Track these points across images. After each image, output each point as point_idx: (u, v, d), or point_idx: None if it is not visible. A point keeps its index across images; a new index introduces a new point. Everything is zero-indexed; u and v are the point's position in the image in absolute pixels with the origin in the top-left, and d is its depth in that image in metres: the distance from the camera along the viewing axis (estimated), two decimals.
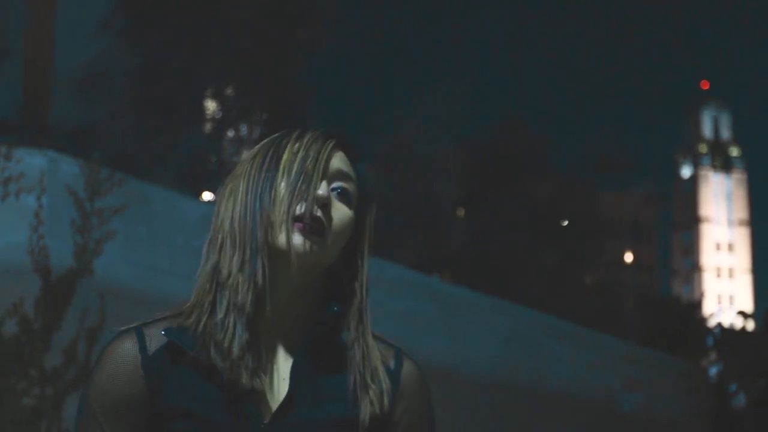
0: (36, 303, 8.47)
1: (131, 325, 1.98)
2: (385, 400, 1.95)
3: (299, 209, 1.93)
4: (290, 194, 1.94)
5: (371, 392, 1.94)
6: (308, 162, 1.97)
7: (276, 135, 2.07)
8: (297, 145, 2.00)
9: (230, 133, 21.27)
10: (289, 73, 21.37)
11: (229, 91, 20.90)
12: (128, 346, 1.94)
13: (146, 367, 1.93)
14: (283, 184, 1.95)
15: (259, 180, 1.97)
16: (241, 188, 1.99)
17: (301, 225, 1.93)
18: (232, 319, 1.91)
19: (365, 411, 1.92)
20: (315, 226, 1.93)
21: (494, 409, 17.05)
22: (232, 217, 1.97)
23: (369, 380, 1.95)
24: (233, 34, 20.47)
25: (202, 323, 1.93)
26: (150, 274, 10.72)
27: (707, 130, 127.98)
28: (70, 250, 8.75)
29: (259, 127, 21.25)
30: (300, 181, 1.96)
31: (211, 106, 20.78)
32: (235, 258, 1.94)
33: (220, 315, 1.92)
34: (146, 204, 11.00)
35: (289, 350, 1.97)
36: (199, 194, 18.62)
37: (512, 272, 27.33)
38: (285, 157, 1.98)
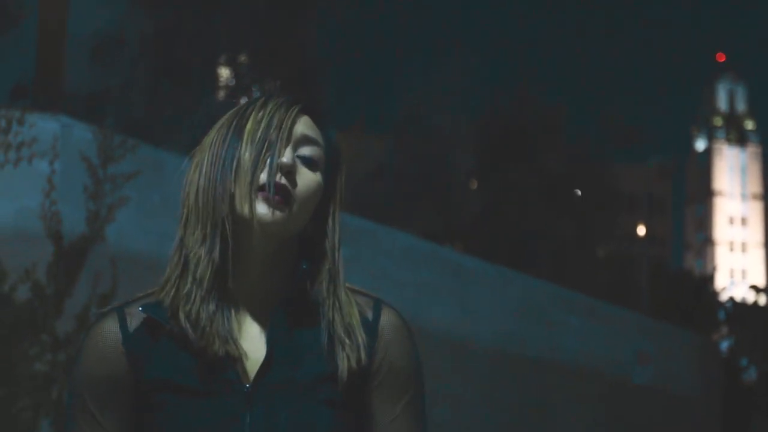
0: (48, 269, 8.49)
1: (112, 306, 2.02)
2: (362, 354, 1.96)
3: (263, 178, 1.93)
4: (253, 163, 1.94)
5: (347, 348, 1.95)
6: (272, 130, 1.97)
7: (242, 104, 2.06)
8: (261, 114, 1.99)
9: (243, 101, 21.23)
10: (303, 41, 21.32)
11: (243, 58, 20.87)
12: (109, 326, 1.98)
13: (127, 344, 1.97)
14: (246, 154, 1.95)
15: (222, 151, 1.97)
16: (205, 160, 1.99)
17: (265, 194, 1.93)
18: (195, 292, 1.93)
19: (342, 366, 1.93)
20: (280, 194, 1.93)
21: (504, 381, 17.06)
22: (197, 190, 1.98)
23: (343, 336, 1.96)
24: (248, 1, 20.42)
25: (170, 296, 1.95)
26: (162, 240, 10.72)
27: (722, 102, 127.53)
28: (83, 216, 8.75)
29: (272, 94, 21.20)
30: (263, 149, 1.96)
31: (224, 73, 20.75)
32: (197, 232, 1.96)
33: (185, 288, 1.94)
34: (159, 170, 10.99)
35: (266, 315, 1.97)
36: None
37: (525, 244, 27.32)
38: (248, 126, 1.98)
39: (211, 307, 1.93)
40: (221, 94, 20.87)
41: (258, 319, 1.98)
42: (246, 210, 1.92)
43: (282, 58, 20.71)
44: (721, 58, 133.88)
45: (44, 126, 9.32)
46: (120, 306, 2.00)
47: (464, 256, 18.96)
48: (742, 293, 52.30)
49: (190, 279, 1.94)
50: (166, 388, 1.92)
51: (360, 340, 1.97)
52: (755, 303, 43.57)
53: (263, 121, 1.98)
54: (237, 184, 1.93)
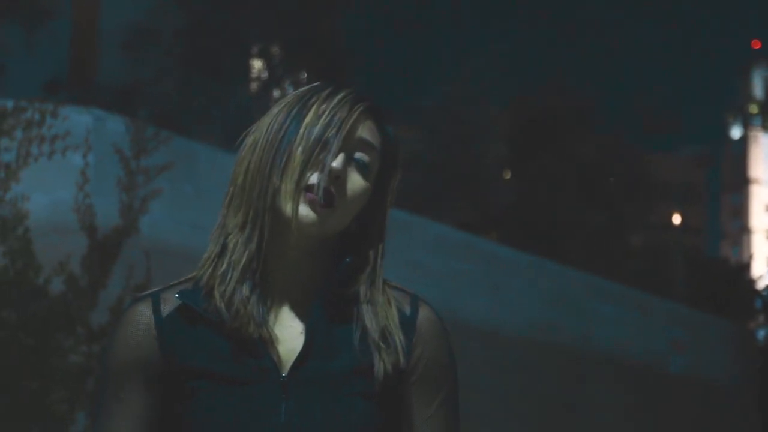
0: (82, 261, 8.52)
1: (148, 291, 2.01)
2: (400, 357, 1.95)
3: (312, 179, 1.91)
4: (304, 162, 1.91)
5: (383, 352, 1.94)
6: (330, 129, 1.93)
7: (306, 89, 2.02)
8: (323, 107, 1.95)
9: (276, 93, 21.28)
10: (334, 32, 21.32)
11: (275, 50, 20.90)
12: (141, 310, 1.96)
13: (159, 329, 1.95)
14: (299, 149, 1.92)
15: (277, 139, 1.94)
16: (259, 143, 1.97)
17: (311, 196, 1.90)
18: (230, 274, 1.93)
19: (378, 368, 1.92)
20: (325, 199, 1.91)
21: (538, 370, 17.03)
22: (245, 173, 1.96)
23: (379, 340, 1.94)
24: None
25: (207, 275, 1.95)
26: (196, 232, 10.76)
27: (758, 90, 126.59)
28: (116, 209, 8.79)
29: (304, 86, 21.23)
30: (318, 149, 1.92)
31: (256, 64, 20.79)
32: (238, 216, 1.95)
33: (221, 268, 1.93)
34: (192, 162, 11.03)
35: (304, 305, 1.96)
36: None
37: (558, 233, 27.24)
38: (308, 119, 1.94)
39: (245, 290, 1.92)
40: (253, 85, 20.91)
41: (294, 309, 1.96)
42: (288, 209, 1.91)
43: (313, 49, 20.73)
44: (756, 45, 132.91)
45: (77, 119, 9.37)
46: (156, 291, 1.99)
47: (498, 246, 18.93)
48: None
49: (226, 260, 1.93)
50: (200, 375, 1.91)
51: (398, 341, 1.96)
52: None
53: (324, 117, 1.94)
54: (284, 178, 1.91)
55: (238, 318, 1.90)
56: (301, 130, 1.93)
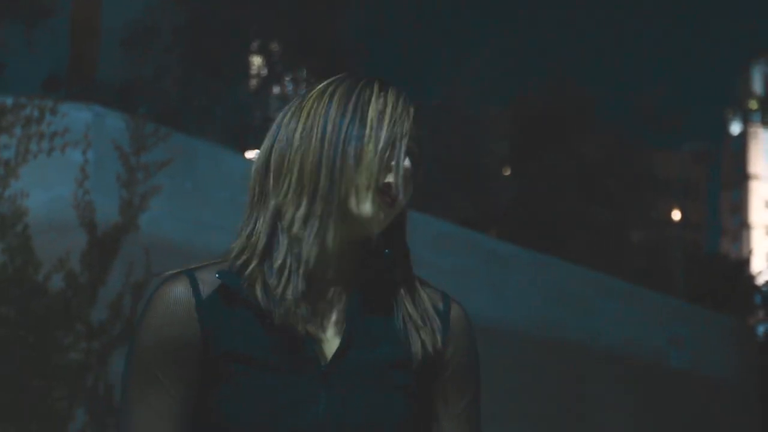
0: (82, 258, 8.51)
1: (180, 269, 1.94)
2: (438, 338, 1.96)
3: (388, 179, 1.91)
4: (380, 161, 1.91)
5: (422, 333, 1.94)
6: (396, 128, 1.93)
7: (349, 81, 1.99)
8: (381, 102, 1.95)
9: (276, 90, 21.25)
10: (335, 29, 21.29)
11: (274, 46, 20.86)
12: (181, 290, 1.90)
13: (200, 310, 1.89)
14: (371, 146, 1.90)
15: (342, 131, 1.91)
16: (316, 130, 1.93)
17: (384, 197, 1.91)
18: (289, 269, 1.88)
19: (417, 350, 1.92)
20: (396, 199, 1.92)
21: (540, 366, 17.02)
22: (302, 162, 1.91)
23: (420, 321, 1.95)
24: None
25: (252, 266, 1.90)
26: (195, 228, 10.74)
27: (758, 85, 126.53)
28: (116, 205, 8.77)
29: (304, 83, 21.21)
30: (389, 149, 1.91)
31: (256, 61, 20.76)
32: (302, 209, 1.90)
33: (278, 261, 1.89)
34: (192, 159, 11.00)
35: (342, 295, 1.94)
36: (244, 150, 18.65)
37: (559, 229, 27.24)
38: (371, 113, 1.93)
39: (301, 286, 1.88)
40: (253, 82, 20.89)
41: (336, 297, 1.94)
42: (360, 208, 1.89)
43: (314, 46, 20.70)
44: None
45: (77, 115, 9.34)
46: (189, 270, 1.93)
47: (499, 242, 18.91)
48: None
49: (284, 251, 1.89)
50: (239, 360, 1.86)
51: (435, 325, 1.97)
52: None
53: (387, 112, 1.94)
54: (358, 177, 1.89)
55: (288, 314, 1.87)
56: (368, 130, 1.91)
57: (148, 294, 1.99)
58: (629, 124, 31.77)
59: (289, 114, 1.97)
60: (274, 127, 1.98)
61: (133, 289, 8.44)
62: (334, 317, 1.92)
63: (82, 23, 16.35)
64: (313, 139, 1.92)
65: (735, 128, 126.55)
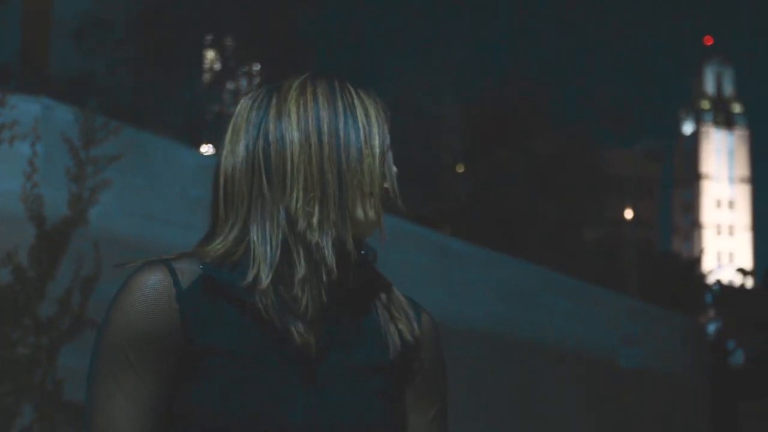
0: (30, 252, 8.40)
1: (155, 258, 1.86)
2: (415, 326, 1.95)
3: (385, 183, 1.90)
4: (381, 166, 1.89)
5: (399, 323, 1.94)
6: (385, 132, 1.92)
7: (318, 77, 1.96)
8: (362, 104, 1.92)
9: (230, 85, 21.16)
10: (290, 24, 21.23)
11: (228, 40, 20.78)
12: (160, 278, 1.82)
13: (181, 301, 1.82)
14: (370, 151, 1.88)
15: (340, 135, 1.88)
16: (312, 132, 1.87)
17: (384, 202, 1.90)
18: (314, 280, 1.84)
19: (396, 342, 1.91)
20: (390, 203, 1.91)
21: (492, 363, 17.04)
22: (307, 167, 1.85)
23: (396, 312, 1.94)
24: None
25: (267, 278, 1.82)
26: (146, 223, 10.64)
27: (710, 86, 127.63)
28: (65, 199, 8.66)
29: (258, 78, 21.14)
30: (387, 154, 1.92)
31: (210, 55, 20.68)
32: (316, 214, 1.84)
33: (301, 272, 1.83)
34: (143, 153, 10.90)
35: (321, 297, 1.87)
36: (198, 145, 18.54)
37: (512, 226, 27.32)
38: (361, 120, 1.90)
39: (317, 296, 1.84)
40: (206, 76, 20.79)
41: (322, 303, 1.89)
42: (368, 214, 1.88)
43: (269, 40, 20.63)
44: (708, 41, 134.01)
45: (25, 108, 9.23)
46: (166, 260, 1.85)
47: (452, 239, 18.92)
48: (729, 276, 52.43)
49: (305, 263, 1.83)
50: (219, 355, 1.80)
51: (411, 315, 1.97)
52: (742, 286, 43.72)
53: (372, 114, 1.92)
54: (362, 182, 1.87)
55: (281, 316, 1.82)
56: (363, 134, 1.89)
57: (125, 280, 1.84)
58: (583, 123, 31.95)
59: (269, 111, 1.90)
60: (249, 123, 1.91)
61: (82, 283, 8.33)
62: (317, 318, 1.87)
63: (34, 14, 16.20)
64: (313, 142, 1.87)
65: (687, 128, 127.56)
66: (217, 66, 20.65)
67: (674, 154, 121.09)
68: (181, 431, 1.82)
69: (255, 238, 1.85)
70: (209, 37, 20.56)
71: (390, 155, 1.92)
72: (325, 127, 1.87)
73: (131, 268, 1.85)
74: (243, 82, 21.34)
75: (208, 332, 1.81)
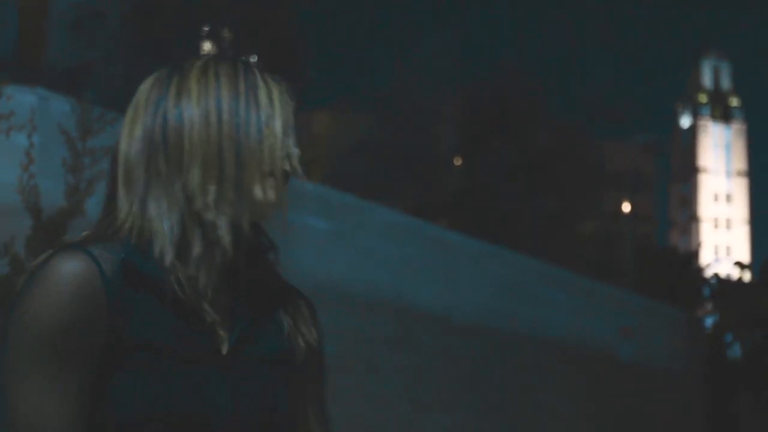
0: (27, 243, 8.37)
1: (68, 243, 1.78)
2: (314, 332, 1.99)
3: (286, 165, 1.87)
4: (282, 145, 1.87)
5: (302, 326, 1.97)
6: (287, 114, 1.91)
7: (221, 59, 1.93)
8: (265, 87, 1.91)
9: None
10: (286, 16, 21.20)
11: (225, 32, 20.74)
12: (83, 267, 1.74)
13: (107, 292, 1.75)
14: (271, 132, 1.86)
15: (239, 115, 1.85)
16: (212, 112, 1.84)
17: (284, 183, 1.88)
18: (209, 259, 1.81)
19: (300, 344, 1.95)
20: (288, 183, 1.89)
21: (488, 355, 17.04)
22: (206, 146, 1.82)
23: (299, 314, 1.97)
24: None
25: (169, 255, 1.79)
26: None
27: (707, 80, 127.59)
28: (62, 190, 8.64)
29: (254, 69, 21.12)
30: (289, 136, 1.89)
31: (206, 47, 20.64)
32: (212, 193, 1.81)
33: (196, 249, 1.80)
34: None
35: (233, 285, 1.87)
36: None
37: (509, 220, 27.30)
38: (262, 101, 1.88)
39: (215, 274, 1.82)
40: None
41: (227, 286, 1.87)
42: (266, 194, 1.85)
43: (265, 32, 20.61)
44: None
45: (22, 99, 9.21)
46: (79, 245, 1.78)
47: (448, 232, 18.91)
48: (726, 270, 52.42)
49: (202, 240, 1.80)
50: (146, 348, 1.76)
51: (312, 322, 2.00)
52: (739, 279, 43.69)
53: (275, 97, 1.90)
54: (262, 163, 1.85)
55: (203, 307, 1.81)
56: (264, 116, 1.87)
57: (35, 267, 1.74)
58: (580, 116, 31.93)
59: (170, 90, 1.87)
60: (149, 102, 1.88)
61: None
62: (227, 309, 1.86)
63: (31, 5, 16.17)
64: (212, 122, 1.84)
65: (685, 122, 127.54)
66: None
67: (671, 147, 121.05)
68: (106, 425, 1.76)
69: (153, 215, 1.81)
70: (206, 29, 20.52)
71: (292, 138, 1.89)
72: (225, 106, 1.85)
73: (47, 253, 1.76)
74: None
75: (136, 324, 1.77)
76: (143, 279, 1.79)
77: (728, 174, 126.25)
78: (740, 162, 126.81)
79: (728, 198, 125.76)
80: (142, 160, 1.85)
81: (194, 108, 1.85)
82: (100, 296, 1.75)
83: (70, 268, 1.73)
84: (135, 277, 1.78)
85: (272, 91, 1.90)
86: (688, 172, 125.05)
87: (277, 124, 1.87)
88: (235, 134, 1.84)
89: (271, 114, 1.88)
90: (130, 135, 1.88)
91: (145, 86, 1.91)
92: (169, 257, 1.79)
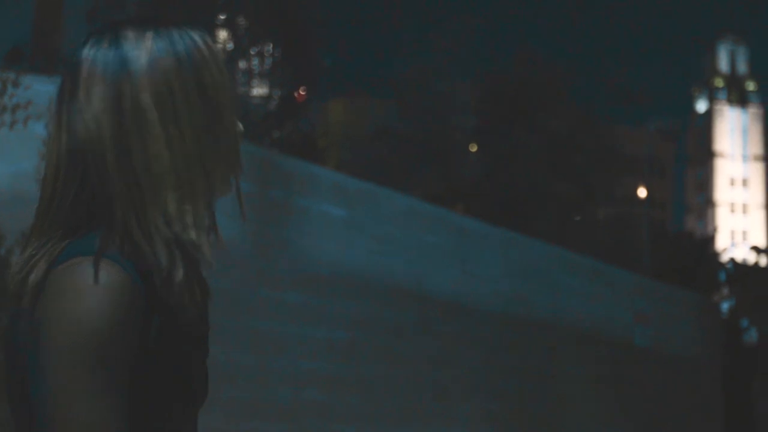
0: None
1: (105, 253, 1.71)
2: None
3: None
4: (236, 146, 1.85)
5: None
6: (234, 104, 1.88)
7: (207, 40, 1.88)
8: (226, 76, 1.86)
9: (242, 65, 21.12)
10: (301, 4, 21.17)
11: (241, 21, 20.72)
12: (136, 283, 1.71)
13: (143, 300, 1.72)
14: (225, 129, 1.84)
15: (199, 115, 1.80)
16: (177, 116, 1.78)
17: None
18: (193, 278, 1.79)
19: None
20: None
21: (507, 342, 17.03)
22: (180, 154, 1.78)
23: None
24: None
25: (162, 256, 1.75)
26: None
27: (723, 64, 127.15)
28: None
29: (270, 58, 21.09)
30: (238, 130, 1.87)
31: (222, 35, 20.62)
32: (189, 214, 1.78)
33: (179, 276, 1.76)
34: None
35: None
36: None
37: (526, 205, 27.26)
38: (221, 97, 1.83)
39: (199, 288, 1.81)
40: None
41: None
42: (225, 191, 1.85)
43: (281, 20, 20.58)
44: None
45: (40, 88, 9.22)
46: (112, 255, 1.71)
47: (466, 219, 18.88)
48: (742, 254, 52.29)
49: (183, 268, 1.76)
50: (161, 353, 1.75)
51: None
52: (756, 264, 43.59)
53: (228, 87, 1.85)
54: (221, 164, 1.82)
55: (203, 319, 1.84)
56: (225, 108, 1.85)
57: (81, 280, 1.67)
58: (597, 101, 31.86)
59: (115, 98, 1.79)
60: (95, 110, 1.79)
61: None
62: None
63: None
64: (182, 124, 1.79)
65: (701, 106, 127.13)
66: (230, 46, 20.60)
67: (687, 132, 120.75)
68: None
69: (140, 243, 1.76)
70: (222, 17, 20.51)
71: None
72: (191, 113, 1.80)
73: (87, 264, 1.69)
74: (255, 62, 21.29)
75: (155, 337, 1.74)
76: (156, 293, 1.75)
77: (744, 158, 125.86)
78: (757, 146, 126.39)
79: (744, 182, 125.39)
80: (116, 179, 1.78)
81: (152, 117, 1.80)
82: (141, 304, 1.71)
83: (127, 287, 1.69)
84: (153, 291, 1.75)
85: (230, 82, 1.87)
86: (705, 156, 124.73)
87: (230, 124, 1.85)
88: (192, 136, 1.80)
89: (228, 108, 1.85)
90: (87, 134, 1.83)
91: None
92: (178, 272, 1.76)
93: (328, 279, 12.95)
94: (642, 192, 40.54)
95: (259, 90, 21.44)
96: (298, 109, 21.69)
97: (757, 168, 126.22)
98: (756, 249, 46.49)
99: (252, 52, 21.04)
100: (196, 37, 1.87)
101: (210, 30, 20.43)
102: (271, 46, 21.17)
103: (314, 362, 12.73)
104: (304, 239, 12.64)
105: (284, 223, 12.19)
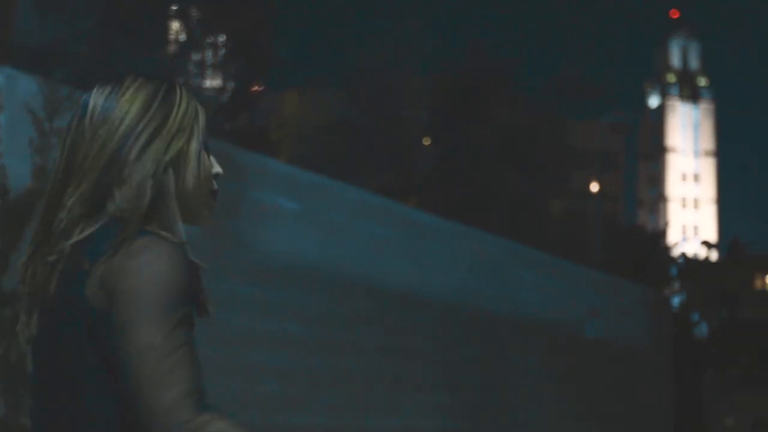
0: None
1: (159, 237, 2.07)
2: None
3: (215, 185, 2.19)
4: (213, 170, 2.16)
5: None
6: (203, 130, 2.18)
7: (145, 83, 2.14)
8: (199, 109, 2.18)
9: (195, 56, 21.00)
10: None
11: (193, 12, 20.60)
12: (186, 257, 2.10)
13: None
14: (204, 157, 2.15)
15: (197, 145, 2.15)
16: (196, 131, 2.14)
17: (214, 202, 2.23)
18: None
19: None
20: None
21: (458, 335, 17.07)
22: (194, 177, 2.16)
23: None
24: None
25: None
26: None
27: (676, 59, 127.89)
28: (29, 170, 8.59)
29: (223, 49, 21.00)
30: (210, 154, 2.18)
31: (175, 26, 20.50)
32: (178, 222, 2.18)
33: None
34: None
35: None
36: None
37: (478, 199, 27.31)
38: (202, 122, 2.16)
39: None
40: (171, 47, 20.62)
41: None
42: (206, 215, 2.18)
43: (234, 11, 20.48)
44: (674, 14, 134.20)
45: None
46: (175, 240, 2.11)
47: (418, 212, 18.91)
48: (694, 249, 52.70)
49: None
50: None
51: None
52: (707, 259, 43.94)
53: (201, 119, 2.16)
54: (201, 187, 2.14)
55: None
56: (199, 141, 2.13)
57: (153, 251, 2.05)
58: (550, 95, 31.92)
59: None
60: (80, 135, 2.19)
61: None
62: None
63: None
64: (190, 153, 2.12)
65: (653, 101, 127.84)
66: (182, 37, 20.49)
67: (640, 127, 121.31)
68: None
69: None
70: (174, 8, 20.38)
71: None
72: (196, 143, 2.18)
73: (155, 237, 2.04)
74: (208, 54, 21.19)
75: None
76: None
77: (696, 153, 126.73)
78: (708, 142, 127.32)
79: (696, 177, 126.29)
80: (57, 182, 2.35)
81: (136, 143, 2.14)
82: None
83: (183, 255, 2.07)
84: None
85: (197, 114, 2.14)
86: (657, 151, 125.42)
87: (205, 148, 2.17)
88: (195, 164, 2.16)
89: (198, 138, 2.14)
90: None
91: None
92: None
93: (280, 271, 12.93)
94: (594, 186, 40.76)
95: (212, 82, 21.34)
96: (251, 101, 21.62)
97: (708, 163, 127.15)
98: (707, 244, 46.89)
99: (205, 44, 20.94)
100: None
101: (162, 21, 20.32)
102: (224, 37, 21.07)
103: (265, 354, 12.72)
104: (256, 231, 12.63)
105: (236, 215, 12.16)
